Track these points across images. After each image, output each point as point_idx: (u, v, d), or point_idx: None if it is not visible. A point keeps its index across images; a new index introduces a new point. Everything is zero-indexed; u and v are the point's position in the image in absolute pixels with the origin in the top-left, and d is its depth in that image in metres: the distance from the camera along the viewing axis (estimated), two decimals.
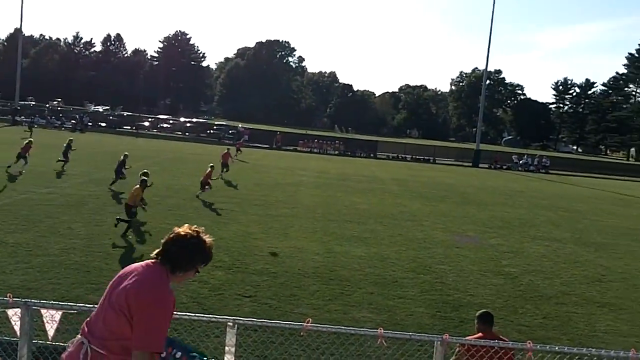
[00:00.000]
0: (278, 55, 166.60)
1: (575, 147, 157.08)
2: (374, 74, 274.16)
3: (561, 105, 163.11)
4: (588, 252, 20.80)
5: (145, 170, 20.15)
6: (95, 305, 4.12)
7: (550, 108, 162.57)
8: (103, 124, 75.10)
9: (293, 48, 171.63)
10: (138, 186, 17.90)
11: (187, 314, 6.08)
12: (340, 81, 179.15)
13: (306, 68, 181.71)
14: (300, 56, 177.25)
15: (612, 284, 16.64)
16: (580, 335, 12.13)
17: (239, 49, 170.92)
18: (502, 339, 6.76)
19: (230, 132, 77.19)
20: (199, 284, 12.71)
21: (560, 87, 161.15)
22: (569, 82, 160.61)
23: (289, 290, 13.32)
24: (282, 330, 8.23)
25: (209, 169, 26.61)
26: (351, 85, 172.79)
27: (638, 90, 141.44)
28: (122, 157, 27.33)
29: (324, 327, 6.52)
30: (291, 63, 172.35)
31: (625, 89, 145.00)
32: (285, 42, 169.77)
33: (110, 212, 20.02)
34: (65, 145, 31.46)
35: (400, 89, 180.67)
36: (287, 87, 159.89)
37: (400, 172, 50.36)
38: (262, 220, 21.32)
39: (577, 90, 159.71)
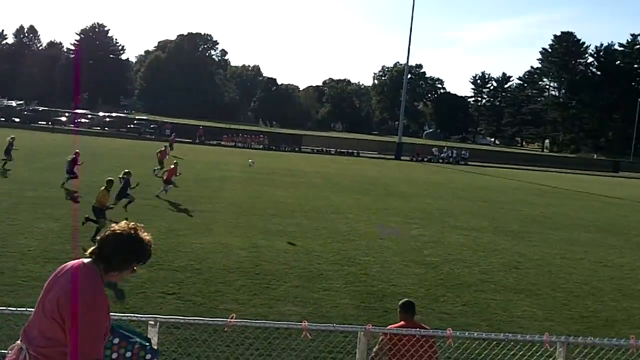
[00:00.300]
0: (200, 49, 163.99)
1: (493, 139, 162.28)
2: (298, 67, 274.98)
3: (479, 99, 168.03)
4: (505, 241, 21.55)
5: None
6: (10, 309, 3.94)
7: (469, 101, 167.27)
8: (17, 120, 72.03)
9: (215, 41, 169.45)
10: (104, 188, 17.59)
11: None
12: (264, 75, 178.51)
13: (229, 61, 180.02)
14: (223, 49, 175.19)
15: (528, 270, 17.30)
16: (498, 321, 12.54)
17: (159, 42, 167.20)
18: (423, 327, 6.90)
19: (151, 126, 75.57)
20: (121, 283, 12.39)
21: (479, 81, 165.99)
22: (487, 76, 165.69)
23: (214, 286, 13.18)
24: (205, 327, 8.12)
25: (173, 165, 25.88)
26: (275, 79, 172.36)
27: (551, 84, 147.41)
28: (71, 156, 26.47)
29: (248, 322, 6.48)
30: (214, 56, 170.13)
31: (540, 82, 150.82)
32: (207, 35, 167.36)
33: (26, 211, 19.28)
34: (7, 143, 29.86)
35: (324, 82, 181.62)
36: (209, 81, 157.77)
37: (324, 165, 50.69)
38: (186, 217, 21.01)
39: (495, 84, 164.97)
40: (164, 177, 25.32)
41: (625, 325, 12.79)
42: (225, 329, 5.86)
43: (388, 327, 7.10)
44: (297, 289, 13.52)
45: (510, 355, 8.22)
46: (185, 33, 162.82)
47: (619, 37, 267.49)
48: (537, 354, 6.69)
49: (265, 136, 74.24)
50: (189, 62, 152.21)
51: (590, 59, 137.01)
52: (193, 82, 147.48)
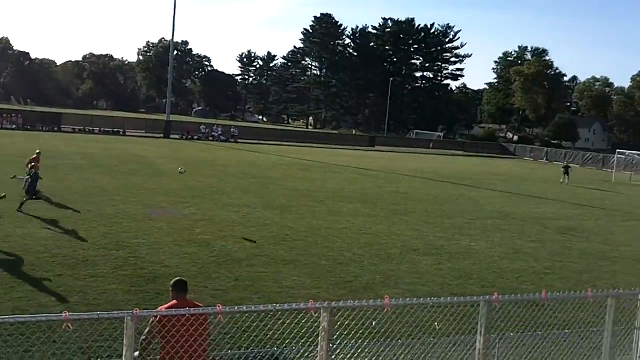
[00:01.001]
0: None
1: (261, 117, 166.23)
2: (54, 41, 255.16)
3: (247, 77, 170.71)
4: (275, 215, 22.23)
5: None
6: None
7: (237, 79, 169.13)
8: None
9: None
10: None
11: None
12: (15, 48, 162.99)
13: None
14: None
15: (296, 242, 18.04)
16: (269, 292, 12.91)
17: None
18: (196, 304, 6.83)
19: None
20: None
21: (245, 60, 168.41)
22: (253, 54, 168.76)
23: None
24: None
25: None
26: (28, 53, 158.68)
27: (313, 64, 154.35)
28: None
29: (5, 317, 5.88)
30: None
31: (303, 62, 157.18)
32: None
33: None
34: None
35: (84, 57, 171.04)
36: None
37: (87, 145, 47.91)
38: None
39: (260, 62, 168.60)
40: None
41: (383, 287, 13.92)
42: None
43: (158, 308, 6.92)
44: (59, 277, 12.65)
45: (279, 324, 8.52)
46: None
47: (372, 20, 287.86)
48: (303, 320, 6.97)
49: (19, 115, 67.95)
50: None
51: (348, 41, 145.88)
52: None
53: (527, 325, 8.60)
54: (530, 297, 7.74)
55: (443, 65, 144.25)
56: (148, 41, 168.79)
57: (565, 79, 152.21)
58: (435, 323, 8.25)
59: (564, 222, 26.06)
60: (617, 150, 65.51)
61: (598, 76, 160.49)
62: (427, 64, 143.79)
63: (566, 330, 8.67)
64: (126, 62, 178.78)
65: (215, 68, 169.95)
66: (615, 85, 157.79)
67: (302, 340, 7.37)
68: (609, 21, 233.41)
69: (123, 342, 5.47)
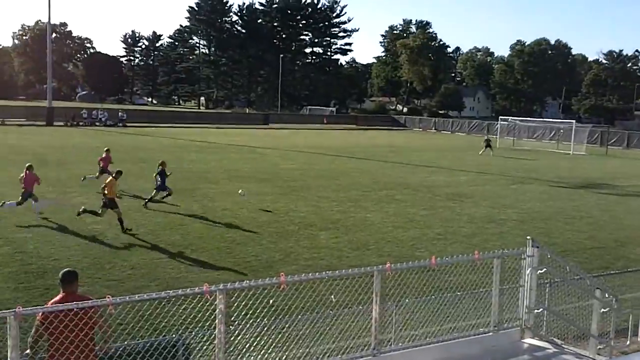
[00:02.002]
0: None
1: (150, 99, 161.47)
2: None
3: (132, 58, 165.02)
4: (172, 199, 21.72)
5: None
6: None
7: (122, 61, 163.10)
8: None
9: None
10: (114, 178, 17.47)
11: None
12: None
13: None
14: None
15: (193, 225, 17.76)
16: (168, 279, 12.65)
17: None
18: (85, 297, 6.53)
19: None
20: None
21: (130, 40, 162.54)
22: (137, 35, 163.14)
23: None
24: None
25: None
26: None
27: (201, 42, 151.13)
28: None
29: None
30: None
31: (190, 41, 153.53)
32: None
33: None
34: None
35: None
36: None
37: None
38: None
39: (146, 42, 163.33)
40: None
41: (283, 264, 13.99)
42: None
43: (47, 304, 6.58)
44: None
45: (182, 309, 8.38)
46: None
47: None
48: (199, 304, 6.89)
49: None
50: None
51: (235, 18, 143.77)
52: None
53: (423, 291, 8.88)
54: (422, 264, 7.97)
55: (332, 40, 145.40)
56: (23, 24, 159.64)
57: (449, 50, 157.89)
58: (332, 296, 8.37)
59: (453, 189, 27.11)
60: (500, 117, 68.68)
61: (479, 46, 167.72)
62: (316, 40, 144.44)
63: (458, 293, 9.03)
64: (0, 47, 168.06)
65: (98, 50, 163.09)
66: (496, 54, 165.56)
67: (204, 325, 7.27)
68: None
69: (8, 344, 5.17)
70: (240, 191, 21.90)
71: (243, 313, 7.39)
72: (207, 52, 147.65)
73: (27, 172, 18.31)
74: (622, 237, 18.68)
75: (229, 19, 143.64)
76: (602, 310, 8.57)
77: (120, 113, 71.63)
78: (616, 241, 18.08)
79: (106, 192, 16.94)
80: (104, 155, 24.26)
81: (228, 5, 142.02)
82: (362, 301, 8.45)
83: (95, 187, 23.46)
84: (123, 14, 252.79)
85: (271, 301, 7.94)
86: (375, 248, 16.02)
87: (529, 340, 8.09)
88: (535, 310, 8.11)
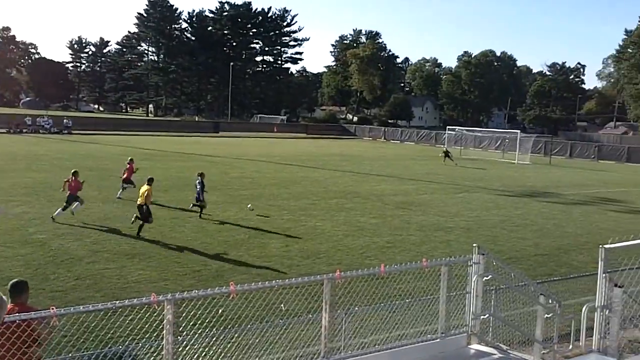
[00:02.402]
0: None
1: (96, 106, 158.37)
2: None
3: (78, 64, 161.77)
4: (116, 208, 21.39)
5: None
6: None
7: (68, 67, 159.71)
8: None
9: None
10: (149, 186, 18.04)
11: None
12: None
13: None
14: None
15: (142, 234, 17.42)
16: (114, 289, 12.40)
17: None
18: (31, 308, 6.35)
19: None
20: None
21: (76, 46, 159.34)
22: (84, 40, 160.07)
23: None
24: None
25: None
26: None
27: (150, 49, 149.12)
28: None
29: None
30: None
31: (139, 47, 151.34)
32: None
33: None
34: None
35: None
36: None
37: None
38: None
39: (93, 48, 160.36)
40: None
41: (233, 273, 13.88)
42: None
43: None
44: None
45: (128, 320, 8.20)
46: None
47: (208, 4, 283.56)
48: (147, 315, 6.78)
49: None
50: None
51: (185, 25, 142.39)
52: None
53: (373, 299, 8.95)
54: (371, 272, 8.04)
55: (282, 49, 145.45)
56: None
57: (398, 60, 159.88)
58: (282, 305, 8.35)
59: (402, 198, 27.42)
60: (448, 127, 69.89)
61: (428, 57, 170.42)
62: (266, 48, 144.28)
63: (407, 300, 9.12)
64: None
65: (43, 56, 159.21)
66: (444, 65, 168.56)
67: (151, 336, 7.15)
68: (436, 5, 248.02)
69: None
70: (249, 206, 22.02)
71: (192, 323, 7.31)
72: (156, 59, 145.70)
73: (73, 178, 19.42)
74: (565, 244, 19.20)
75: (179, 26, 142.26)
76: (546, 315, 8.78)
77: (65, 120, 70.00)
78: (559, 248, 18.57)
79: (144, 199, 17.64)
80: (127, 166, 24.67)
81: (178, 12, 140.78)
82: (312, 309, 8.46)
83: (42, 194, 22.92)
84: (69, 19, 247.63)
85: (220, 310, 7.87)
86: (326, 256, 16.05)
87: (476, 346, 8.22)
88: (482, 317, 8.25)
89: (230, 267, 14.52)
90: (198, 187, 20.99)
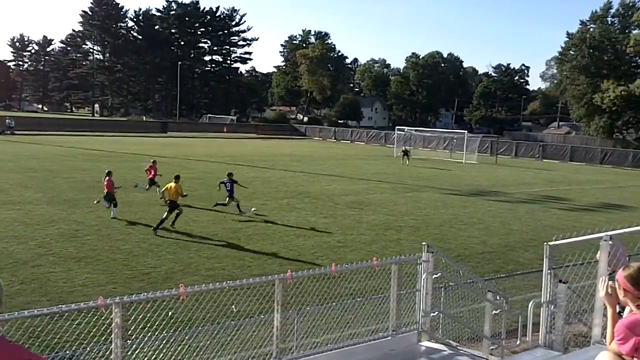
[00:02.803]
0: None
1: (40, 106, 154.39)
2: None
3: (21, 63, 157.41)
4: (61, 210, 20.86)
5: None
6: None
7: (10, 66, 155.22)
8: None
9: None
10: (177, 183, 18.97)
11: None
12: None
13: None
14: None
15: (87, 237, 17.10)
16: (60, 293, 12.12)
17: None
18: None
19: None
20: None
21: (18, 44, 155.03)
22: (27, 38, 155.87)
23: None
24: None
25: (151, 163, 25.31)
26: None
27: (95, 48, 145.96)
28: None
29: None
30: None
31: (83, 46, 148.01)
32: None
33: None
34: None
35: None
36: None
37: None
38: None
39: (36, 47, 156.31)
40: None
41: (183, 275, 13.72)
42: None
43: None
44: None
45: (75, 324, 8.03)
46: None
47: (155, 3, 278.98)
48: (94, 319, 6.65)
49: None
50: None
51: (131, 23, 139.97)
52: None
53: (324, 299, 8.97)
54: (322, 272, 8.07)
55: (231, 48, 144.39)
56: None
57: (348, 61, 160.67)
58: (234, 306, 8.30)
59: (353, 197, 27.58)
60: (397, 127, 70.60)
61: (377, 58, 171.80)
62: (215, 48, 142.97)
63: (358, 299, 9.19)
64: None
65: None
66: (392, 66, 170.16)
67: (99, 340, 7.01)
68: (383, 6, 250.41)
69: None
70: (253, 209, 21.83)
71: (141, 326, 7.18)
72: (102, 58, 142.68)
73: (107, 177, 20.67)
74: (511, 241, 19.64)
75: (125, 24, 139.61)
76: (494, 312, 8.96)
77: (7, 120, 67.99)
78: (506, 246, 18.98)
79: (170, 196, 18.96)
80: (150, 166, 25.73)
81: (123, 10, 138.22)
82: (263, 310, 8.44)
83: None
84: (11, 17, 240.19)
85: (170, 313, 7.78)
86: (277, 257, 16.02)
87: (426, 343, 8.33)
88: (432, 314, 8.37)
89: (180, 269, 14.36)
90: (228, 186, 22.09)
